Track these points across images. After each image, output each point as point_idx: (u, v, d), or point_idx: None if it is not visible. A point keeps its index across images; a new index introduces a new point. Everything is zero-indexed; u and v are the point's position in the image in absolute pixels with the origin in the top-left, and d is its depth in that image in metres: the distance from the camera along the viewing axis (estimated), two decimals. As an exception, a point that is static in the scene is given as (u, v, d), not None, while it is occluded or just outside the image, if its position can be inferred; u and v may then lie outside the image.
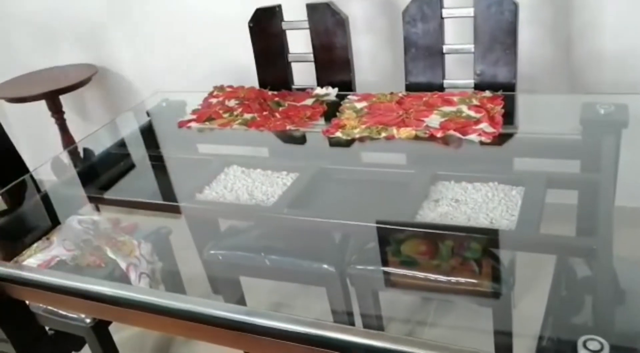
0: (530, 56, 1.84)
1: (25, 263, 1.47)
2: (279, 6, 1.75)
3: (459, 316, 1.76)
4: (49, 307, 1.44)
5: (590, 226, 1.13)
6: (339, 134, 1.44)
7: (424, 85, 1.65)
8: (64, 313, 1.44)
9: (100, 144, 1.77)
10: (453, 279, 1.24)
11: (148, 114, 1.84)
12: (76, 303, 1.13)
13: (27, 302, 1.35)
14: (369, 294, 1.42)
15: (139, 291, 1.22)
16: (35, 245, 1.51)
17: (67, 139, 2.51)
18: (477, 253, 1.26)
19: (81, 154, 1.95)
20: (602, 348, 0.75)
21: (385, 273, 1.35)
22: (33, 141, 2.80)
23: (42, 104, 2.41)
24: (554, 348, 0.98)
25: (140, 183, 1.58)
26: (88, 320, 1.42)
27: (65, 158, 2.08)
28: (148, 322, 1.06)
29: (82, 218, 1.67)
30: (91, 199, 1.61)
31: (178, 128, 1.65)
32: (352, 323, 1.47)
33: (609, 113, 1.32)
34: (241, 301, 1.63)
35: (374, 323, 1.50)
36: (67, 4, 2.48)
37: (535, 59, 1.87)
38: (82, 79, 2.36)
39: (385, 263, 1.34)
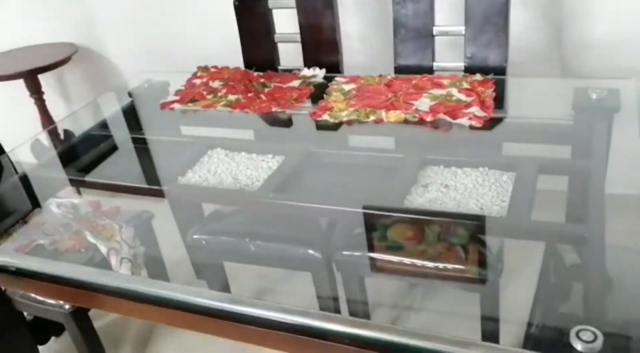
0: (520, 40, 1.81)
1: (1, 247, 1.42)
2: (266, -16, 1.70)
3: (446, 301, 1.74)
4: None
5: (580, 213, 1.11)
6: (326, 116, 1.40)
7: (414, 67, 1.62)
8: (41, 298, 1.40)
9: (80, 126, 1.73)
10: (440, 265, 1.21)
11: (130, 94, 1.79)
12: (53, 289, 1.09)
13: (2, 288, 1.31)
14: (355, 280, 1.40)
15: (118, 277, 1.18)
16: (12, 228, 1.47)
17: (47, 120, 2.44)
18: (465, 238, 1.24)
19: (61, 136, 1.90)
20: (595, 339, 0.73)
21: (372, 258, 1.33)
22: (11, 121, 2.73)
23: (21, 83, 2.35)
24: (543, 336, 0.97)
25: (122, 165, 1.54)
26: (67, 306, 1.39)
27: (44, 139, 2.02)
28: (128, 310, 1.03)
29: (61, 201, 1.63)
30: (72, 182, 1.57)
31: (160, 110, 1.61)
32: (338, 309, 1.45)
33: (601, 98, 1.30)
34: (225, 286, 1.60)
35: (360, 309, 1.48)
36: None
37: (526, 43, 1.84)
38: (62, 58, 2.30)
39: (371, 248, 1.32)
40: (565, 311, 1.04)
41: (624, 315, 0.89)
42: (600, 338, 0.73)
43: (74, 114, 1.87)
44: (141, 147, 1.59)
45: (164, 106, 1.61)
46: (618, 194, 1.12)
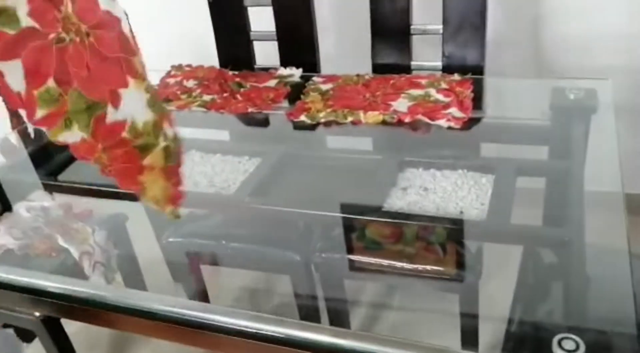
0: (498, 39, 1.81)
1: (-32, 253, 1.37)
2: (241, -19, 1.67)
3: (425, 299, 1.74)
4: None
5: (557, 214, 1.11)
6: (303, 117, 1.38)
7: (391, 66, 1.60)
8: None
9: (52, 125, 1.68)
10: (419, 266, 1.20)
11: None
12: (20, 299, 1.06)
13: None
14: (334, 281, 1.38)
15: (89, 286, 1.15)
16: (-21, 233, 1.42)
17: (16, 119, 2.38)
18: (442, 237, 1.23)
19: (32, 135, 1.85)
20: (577, 348, 0.72)
21: (351, 260, 1.31)
22: (-20, 120, 2.65)
23: (-11, 81, 2.28)
24: (523, 336, 0.97)
25: (93, 167, 1.50)
26: (37, 313, 1.34)
27: (14, 138, 1.97)
28: (99, 320, 1.00)
29: (31, 205, 1.58)
30: (43, 184, 1.53)
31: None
32: (317, 310, 1.43)
33: (579, 99, 1.30)
34: (202, 289, 1.58)
35: (340, 309, 1.47)
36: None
37: (504, 43, 1.84)
38: (31, 55, 2.23)
39: (350, 250, 1.31)
40: (545, 311, 1.04)
41: (604, 315, 0.89)
42: (582, 347, 0.72)
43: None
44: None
45: (137, 106, 1.57)
46: (595, 192, 1.12)
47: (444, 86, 1.41)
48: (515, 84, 1.57)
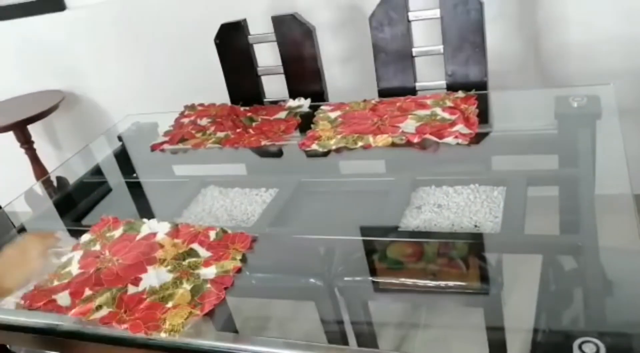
0: (499, 53, 1.85)
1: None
2: (244, 20, 1.73)
3: (451, 315, 1.75)
4: None
5: (573, 221, 1.13)
6: (315, 146, 1.42)
7: (397, 89, 1.64)
8: None
9: (74, 173, 1.74)
10: (443, 282, 1.22)
11: (119, 138, 1.80)
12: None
13: None
14: (359, 303, 1.40)
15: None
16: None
17: (39, 170, 2.45)
18: (463, 252, 1.25)
19: (55, 184, 1.91)
20: (598, 351, 0.74)
21: (374, 282, 1.33)
22: (3, 174, 2.74)
23: (10, 135, 2.36)
24: (549, 343, 0.97)
25: (117, 210, 1.54)
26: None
27: (38, 189, 2.03)
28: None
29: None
30: (69, 232, 1.57)
31: (151, 151, 1.62)
32: (344, 333, 1.45)
33: (582, 106, 1.32)
34: (229, 320, 1.60)
35: (366, 331, 1.48)
36: (28, 27, 2.43)
37: (505, 56, 1.88)
38: (49, 106, 2.32)
39: (372, 271, 1.33)
40: (568, 317, 1.05)
41: (625, 317, 0.90)
42: (603, 349, 0.74)
43: (66, 162, 1.88)
44: (135, 190, 1.60)
45: (154, 147, 1.63)
46: (607, 195, 1.14)
47: (449, 104, 1.44)
48: (519, 96, 1.60)
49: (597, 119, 1.30)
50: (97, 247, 1.20)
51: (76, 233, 1.53)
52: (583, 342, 0.76)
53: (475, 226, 1.11)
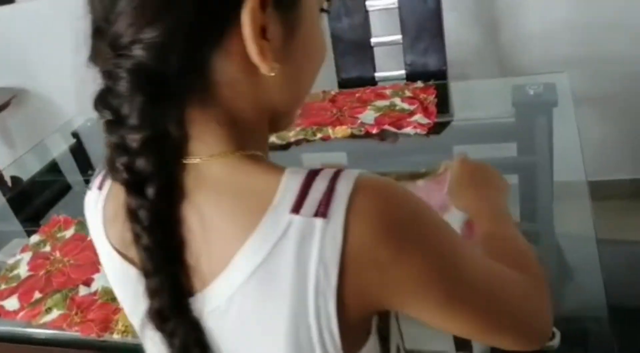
0: (457, 42, 1.85)
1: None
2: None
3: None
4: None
5: (532, 208, 1.13)
6: (273, 139, 1.40)
7: (356, 80, 1.63)
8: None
9: (28, 170, 1.68)
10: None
11: (74, 135, 1.75)
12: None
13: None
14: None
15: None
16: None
17: (-9, 169, 2.37)
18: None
19: (9, 183, 1.84)
20: (553, 336, 0.74)
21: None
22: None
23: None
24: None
25: (71, 208, 1.50)
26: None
27: (-10, 188, 1.96)
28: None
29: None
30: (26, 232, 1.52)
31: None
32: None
33: (539, 94, 1.33)
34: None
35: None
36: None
37: (463, 45, 1.88)
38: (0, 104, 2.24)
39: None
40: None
41: (580, 303, 0.91)
42: (558, 335, 0.74)
43: (19, 159, 1.82)
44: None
45: (109, 144, 1.58)
46: (565, 181, 1.15)
47: (408, 94, 1.44)
48: (478, 85, 1.60)
49: (553, 107, 1.30)
50: (47, 248, 1.16)
51: (28, 234, 1.48)
52: (539, 330, 0.75)
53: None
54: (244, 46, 0.48)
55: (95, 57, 0.50)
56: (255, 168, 0.51)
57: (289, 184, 0.48)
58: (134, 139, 0.47)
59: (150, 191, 0.48)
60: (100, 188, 0.58)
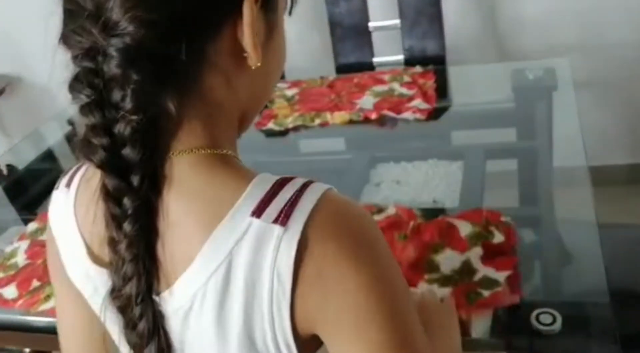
0: (456, 27, 1.83)
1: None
2: None
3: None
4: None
5: (532, 193, 1.13)
6: (271, 125, 1.39)
7: (354, 65, 1.62)
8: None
9: (24, 159, 1.67)
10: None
11: (69, 122, 1.73)
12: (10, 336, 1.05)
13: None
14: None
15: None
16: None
17: (-13, 156, 2.35)
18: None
19: (4, 172, 1.83)
20: (554, 321, 0.74)
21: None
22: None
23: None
24: (507, 314, 0.98)
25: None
26: (27, 349, 1.34)
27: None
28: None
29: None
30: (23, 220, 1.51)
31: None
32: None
33: (539, 78, 1.32)
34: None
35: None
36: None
37: (462, 30, 1.87)
38: (-6, 91, 2.22)
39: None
40: (527, 289, 1.06)
41: (581, 287, 0.91)
42: (559, 319, 0.74)
43: (14, 147, 1.80)
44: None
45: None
46: (565, 167, 1.14)
47: (406, 79, 1.43)
48: (477, 70, 1.59)
49: (553, 92, 1.30)
50: (45, 236, 1.15)
51: (25, 222, 1.47)
52: (540, 313, 0.75)
53: (434, 201, 1.10)
54: (234, 39, 0.49)
55: (67, 38, 0.49)
56: (226, 170, 0.50)
57: (255, 189, 0.48)
58: (126, 123, 0.47)
59: (135, 179, 0.48)
60: (68, 185, 0.58)
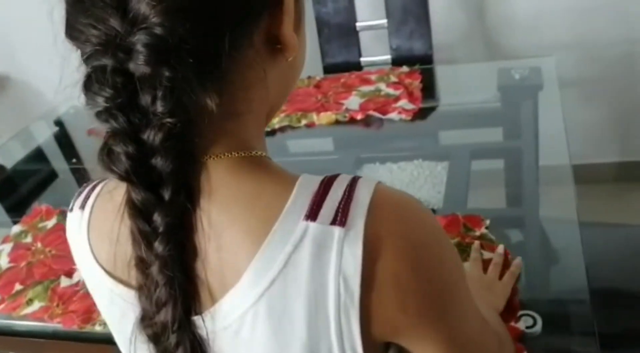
0: (443, 26, 1.83)
1: None
2: None
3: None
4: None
5: (518, 193, 1.13)
6: (257, 125, 1.38)
7: (342, 65, 1.62)
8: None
9: (12, 158, 1.66)
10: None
11: (57, 123, 1.72)
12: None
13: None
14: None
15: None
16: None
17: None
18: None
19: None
20: (535, 323, 0.74)
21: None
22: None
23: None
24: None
25: (60, 198, 1.48)
26: None
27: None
28: None
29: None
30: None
31: (88, 136, 1.56)
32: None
33: (524, 78, 1.32)
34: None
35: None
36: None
37: (450, 28, 1.87)
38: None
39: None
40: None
41: (564, 286, 0.91)
42: (540, 322, 0.74)
43: (2, 146, 1.79)
44: (74, 177, 1.54)
45: (90, 132, 1.56)
46: (548, 166, 1.14)
47: (393, 79, 1.42)
48: (463, 69, 1.59)
49: (539, 91, 1.30)
50: (29, 239, 1.15)
51: (13, 224, 1.46)
52: (521, 315, 0.75)
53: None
54: (269, 31, 0.46)
55: (78, 32, 0.43)
56: (266, 173, 0.47)
57: (302, 190, 0.44)
58: (158, 128, 0.41)
59: (166, 191, 0.43)
60: (82, 207, 0.53)
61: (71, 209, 0.55)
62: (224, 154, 0.46)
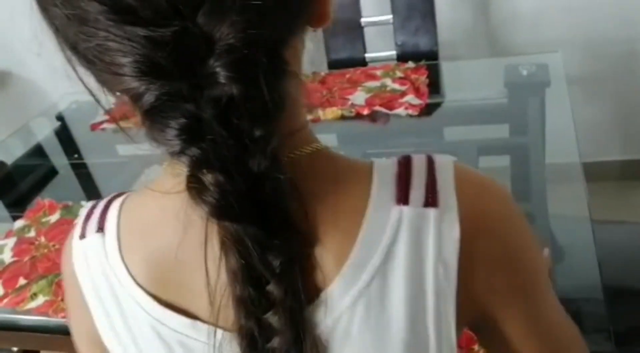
0: (449, 22, 1.82)
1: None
2: None
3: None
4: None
5: (524, 190, 1.12)
6: (262, 121, 1.37)
7: (346, 60, 1.61)
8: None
9: (12, 154, 1.65)
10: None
11: (58, 118, 1.71)
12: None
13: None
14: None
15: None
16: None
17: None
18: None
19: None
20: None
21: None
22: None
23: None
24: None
25: (56, 192, 1.47)
26: (15, 348, 1.32)
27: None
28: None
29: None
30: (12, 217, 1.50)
31: (91, 131, 1.55)
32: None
33: (532, 74, 1.31)
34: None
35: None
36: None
37: (455, 25, 1.86)
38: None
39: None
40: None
41: (576, 284, 0.90)
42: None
43: (3, 142, 1.78)
44: (75, 172, 1.53)
45: (94, 127, 1.55)
46: (558, 164, 1.14)
47: (399, 75, 1.41)
48: (469, 65, 1.58)
49: (546, 87, 1.29)
50: (32, 233, 1.14)
51: (13, 219, 1.45)
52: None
53: (426, 198, 1.09)
54: (306, 28, 0.43)
55: (121, 67, 0.36)
56: (339, 163, 0.44)
57: (383, 174, 0.43)
58: (264, 155, 0.36)
59: (278, 225, 0.37)
60: (101, 230, 0.47)
61: (82, 236, 0.48)
62: (293, 154, 0.42)
